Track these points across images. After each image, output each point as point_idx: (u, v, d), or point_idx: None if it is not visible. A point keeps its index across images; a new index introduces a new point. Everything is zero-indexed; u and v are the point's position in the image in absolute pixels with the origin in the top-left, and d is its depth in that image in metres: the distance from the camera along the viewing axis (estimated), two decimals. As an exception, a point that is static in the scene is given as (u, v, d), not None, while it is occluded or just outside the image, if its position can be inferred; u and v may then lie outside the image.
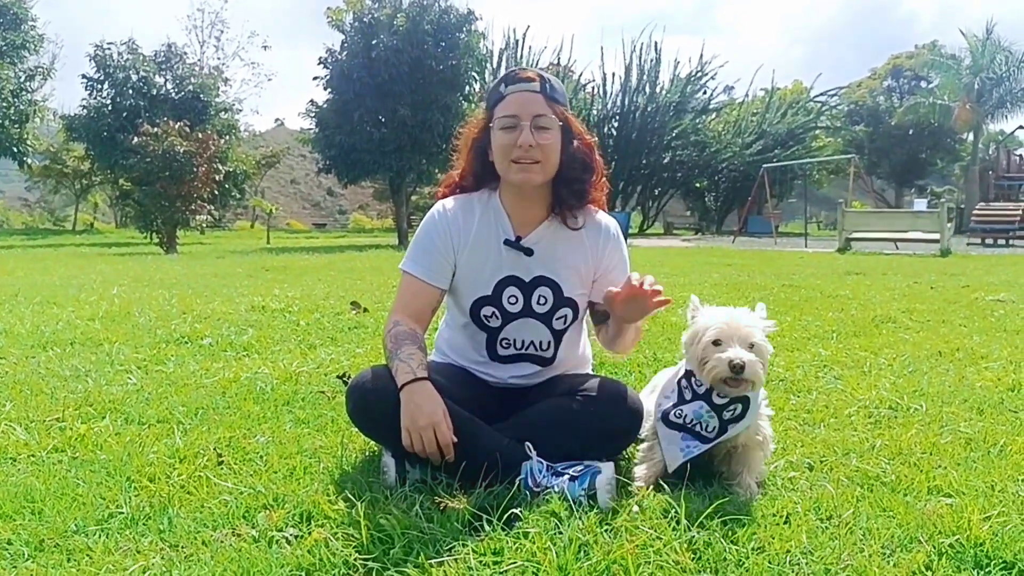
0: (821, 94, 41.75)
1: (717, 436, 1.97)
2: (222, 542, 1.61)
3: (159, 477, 1.99)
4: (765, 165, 23.27)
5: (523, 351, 2.19)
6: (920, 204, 27.08)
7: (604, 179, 2.20)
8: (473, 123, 2.19)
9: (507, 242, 2.13)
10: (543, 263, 2.14)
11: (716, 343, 1.91)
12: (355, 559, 1.52)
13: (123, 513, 1.77)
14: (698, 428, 1.98)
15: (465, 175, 2.21)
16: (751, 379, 1.88)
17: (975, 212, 20.28)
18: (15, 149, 29.27)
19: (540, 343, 2.18)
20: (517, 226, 2.14)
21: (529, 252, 2.13)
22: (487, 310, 2.14)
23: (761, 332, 1.93)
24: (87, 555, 1.57)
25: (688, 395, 2.00)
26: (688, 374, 2.02)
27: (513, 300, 2.14)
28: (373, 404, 1.96)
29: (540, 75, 2.08)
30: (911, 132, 40.38)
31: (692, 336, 1.98)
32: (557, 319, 2.17)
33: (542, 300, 2.15)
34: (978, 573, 1.50)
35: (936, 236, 14.34)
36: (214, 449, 2.20)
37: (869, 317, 4.93)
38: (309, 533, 1.64)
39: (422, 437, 1.85)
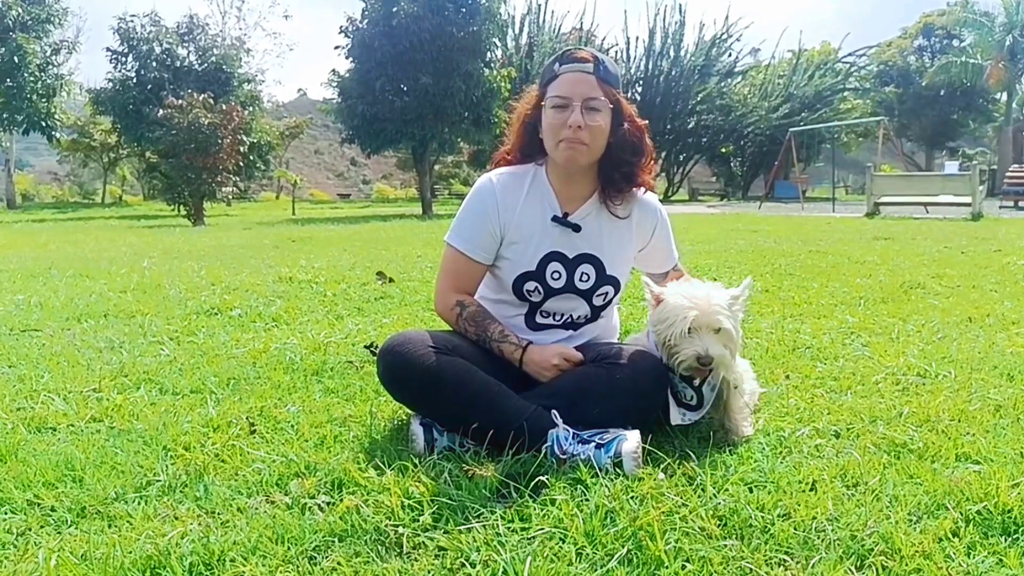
0: (849, 55, 41.01)
1: (699, 404, 2.04)
2: (257, 509, 1.66)
3: (194, 446, 2.04)
4: (792, 129, 22.90)
5: (559, 321, 2.23)
6: (951, 167, 26.45)
7: (654, 162, 2.23)
8: (525, 99, 2.21)
9: (555, 218, 2.15)
10: (588, 240, 2.17)
11: (688, 331, 1.92)
12: (386, 525, 1.55)
13: (160, 481, 1.82)
14: (681, 397, 2.05)
15: (513, 150, 2.24)
16: (719, 367, 1.96)
17: (1008, 174, 19.79)
18: (44, 123, 29.62)
19: (577, 315, 2.23)
20: (564, 202, 2.17)
21: (577, 228, 2.16)
22: (530, 285, 2.16)
23: (728, 316, 1.93)
24: (127, 521, 1.62)
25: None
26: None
27: (556, 276, 2.16)
28: (403, 367, 1.98)
29: (595, 56, 2.10)
30: (942, 93, 39.41)
31: (660, 320, 1.99)
32: (598, 295, 2.21)
33: (585, 277, 2.18)
34: (1005, 539, 1.50)
35: (967, 200, 13.98)
36: (246, 418, 2.25)
37: (897, 283, 4.87)
38: (341, 500, 1.67)
39: (561, 368, 2.04)
